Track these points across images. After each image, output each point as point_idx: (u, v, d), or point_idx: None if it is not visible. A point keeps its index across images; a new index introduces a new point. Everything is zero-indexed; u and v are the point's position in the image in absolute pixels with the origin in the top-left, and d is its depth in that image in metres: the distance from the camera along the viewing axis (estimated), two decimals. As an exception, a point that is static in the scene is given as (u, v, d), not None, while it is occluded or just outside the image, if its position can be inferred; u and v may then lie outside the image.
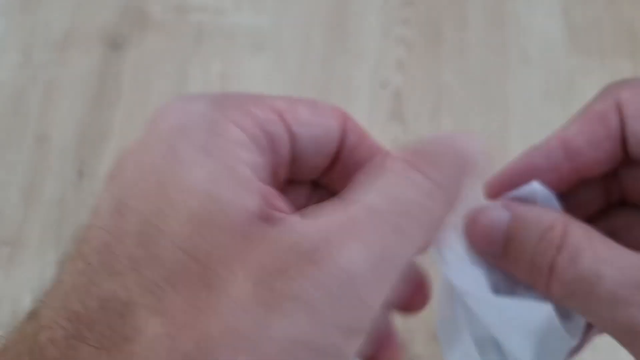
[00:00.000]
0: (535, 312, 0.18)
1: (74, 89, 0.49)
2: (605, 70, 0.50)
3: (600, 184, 0.22)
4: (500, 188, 0.21)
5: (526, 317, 0.18)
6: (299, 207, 0.19)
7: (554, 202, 0.20)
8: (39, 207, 0.45)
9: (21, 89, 0.49)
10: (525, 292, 0.19)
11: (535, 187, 0.20)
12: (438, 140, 0.17)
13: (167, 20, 0.52)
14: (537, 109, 0.48)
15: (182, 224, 0.14)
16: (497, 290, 0.19)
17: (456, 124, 0.48)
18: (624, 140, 0.20)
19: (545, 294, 0.18)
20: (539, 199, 0.20)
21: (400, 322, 0.41)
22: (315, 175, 0.20)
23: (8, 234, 0.44)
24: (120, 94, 0.49)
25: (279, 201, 0.16)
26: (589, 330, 0.21)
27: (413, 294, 0.21)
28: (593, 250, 0.17)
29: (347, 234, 0.14)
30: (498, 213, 0.19)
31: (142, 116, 0.48)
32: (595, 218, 0.22)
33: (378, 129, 0.48)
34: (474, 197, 0.20)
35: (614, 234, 0.18)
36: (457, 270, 0.19)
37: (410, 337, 0.41)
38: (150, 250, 0.14)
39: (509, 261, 0.19)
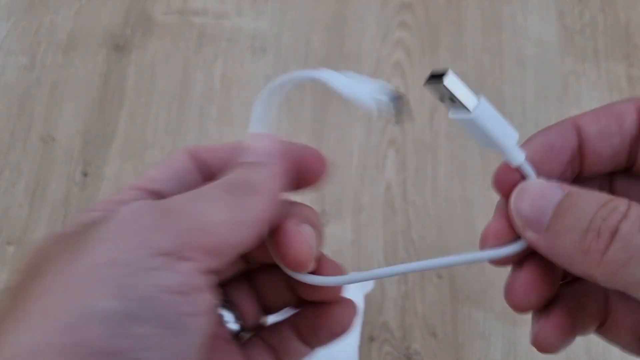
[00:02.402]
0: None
1: (79, 90, 0.50)
2: (600, 72, 0.50)
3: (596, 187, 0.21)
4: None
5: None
6: None
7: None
8: (43, 207, 0.46)
9: (26, 91, 0.50)
10: None
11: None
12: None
13: (170, 23, 0.52)
14: (533, 110, 0.49)
15: None
16: None
17: (453, 126, 0.48)
18: (633, 146, 0.20)
19: (591, 267, 0.17)
20: None
21: (398, 320, 0.42)
22: None
23: (13, 233, 0.45)
24: (124, 95, 0.49)
25: None
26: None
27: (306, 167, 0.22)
28: None
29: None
30: (552, 188, 0.19)
31: (145, 117, 0.49)
32: None
33: (377, 130, 0.48)
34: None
35: None
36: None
37: (408, 333, 0.42)
38: None
39: (555, 234, 0.18)
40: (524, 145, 0.21)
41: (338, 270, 0.21)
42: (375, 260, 0.44)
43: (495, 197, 0.45)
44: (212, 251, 0.17)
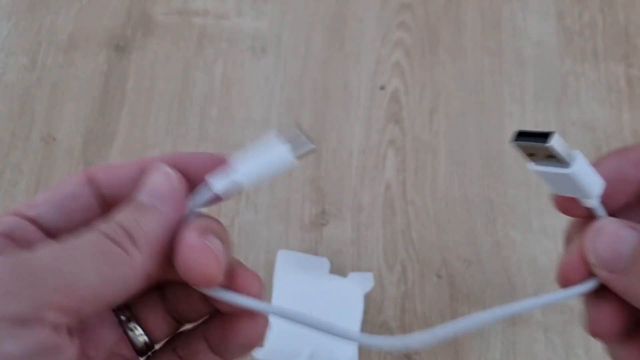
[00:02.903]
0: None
1: (79, 90, 0.50)
2: (600, 73, 0.50)
3: None
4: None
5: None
6: None
7: None
8: (44, 207, 0.46)
9: (27, 91, 0.50)
10: None
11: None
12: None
13: (170, 23, 0.52)
14: (532, 110, 0.49)
15: None
16: None
17: (452, 126, 0.48)
18: None
19: None
20: None
21: (397, 319, 0.42)
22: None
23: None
24: (125, 95, 0.50)
25: None
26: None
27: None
28: None
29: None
30: (627, 230, 0.19)
31: (146, 117, 0.49)
32: None
33: (376, 130, 0.48)
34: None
35: None
36: None
37: (408, 332, 0.42)
38: None
39: (634, 277, 0.19)
40: (605, 170, 0.21)
41: (255, 282, 0.21)
42: (375, 260, 0.44)
43: (495, 197, 0.45)
44: (73, 312, 0.17)
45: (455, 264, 0.44)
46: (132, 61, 0.51)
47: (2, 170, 0.47)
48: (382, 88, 0.50)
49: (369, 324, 0.42)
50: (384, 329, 0.42)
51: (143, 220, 0.19)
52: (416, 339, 0.18)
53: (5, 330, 0.15)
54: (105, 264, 0.17)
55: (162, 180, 0.20)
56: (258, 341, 0.21)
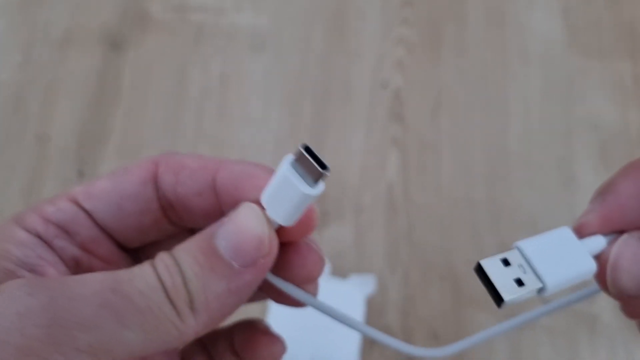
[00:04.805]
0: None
1: (74, 88, 0.49)
2: (605, 70, 0.50)
3: None
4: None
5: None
6: None
7: None
8: (39, 207, 0.45)
9: (21, 89, 0.49)
10: None
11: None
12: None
13: (167, 20, 0.52)
14: (537, 108, 0.48)
15: None
16: None
17: (456, 124, 0.48)
18: None
19: None
20: None
21: (399, 322, 0.42)
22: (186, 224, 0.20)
23: (8, 233, 0.44)
24: (121, 93, 0.49)
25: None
26: None
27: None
28: None
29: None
30: None
31: (142, 116, 0.48)
32: None
33: (378, 128, 0.48)
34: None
35: None
36: None
37: (411, 335, 0.41)
38: None
39: None
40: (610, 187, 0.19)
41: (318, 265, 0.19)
42: (376, 261, 0.43)
43: (500, 197, 0.45)
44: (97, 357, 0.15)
45: (459, 266, 0.43)
46: (128, 58, 0.50)
47: (-4, 170, 0.47)
48: (384, 86, 0.49)
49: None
50: (386, 332, 0.41)
51: (211, 280, 0.16)
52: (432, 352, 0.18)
53: None
54: (151, 324, 0.15)
55: (251, 237, 0.16)
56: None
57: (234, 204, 0.17)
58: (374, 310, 0.42)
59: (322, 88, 0.50)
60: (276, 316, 0.39)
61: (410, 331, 0.41)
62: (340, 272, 0.43)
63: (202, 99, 0.49)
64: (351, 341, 0.39)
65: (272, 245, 0.17)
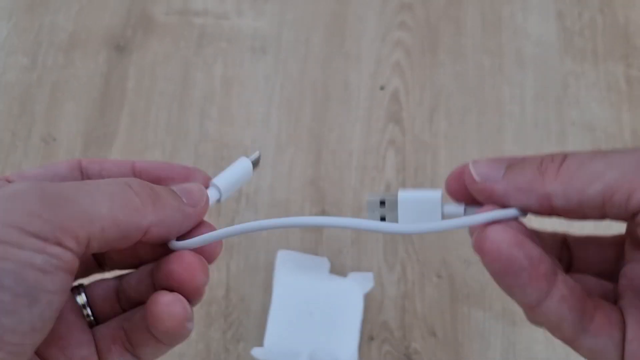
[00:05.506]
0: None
1: (80, 90, 0.50)
2: (599, 73, 0.51)
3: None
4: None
5: None
6: None
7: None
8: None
9: (27, 91, 0.50)
10: None
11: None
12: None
13: (170, 23, 0.52)
14: (532, 111, 0.49)
15: None
16: None
17: (452, 126, 0.49)
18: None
19: (550, 183, 0.19)
20: None
21: (397, 319, 0.42)
22: None
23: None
24: (125, 95, 0.50)
25: None
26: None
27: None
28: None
29: None
30: (494, 162, 0.21)
31: (146, 117, 0.49)
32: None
33: (376, 130, 0.48)
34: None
35: None
36: None
37: (408, 332, 0.42)
38: None
39: (513, 174, 0.20)
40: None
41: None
42: (375, 260, 0.44)
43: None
44: (83, 242, 0.19)
45: (455, 264, 0.44)
46: (132, 61, 0.51)
47: (2, 171, 0.47)
48: (382, 88, 0.50)
49: (368, 324, 0.42)
50: (384, 328, 0.42)
51: (169, 197, 0.22)
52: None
53: (30, 243, 0.18)
54: (119, 208, 0.20)
55: (197, 188, 0.23)
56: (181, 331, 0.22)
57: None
58: (373, 307, 0.43)
59: (322, 90, 0.50)
60: (277, 315, 0.39)
61: (408, 327, 0.42)
62: (340, 270, 0.43)
63: (204, 101, 0.50)
64: (350, 338, 0.39)
65: (205, 204, 0.23)
